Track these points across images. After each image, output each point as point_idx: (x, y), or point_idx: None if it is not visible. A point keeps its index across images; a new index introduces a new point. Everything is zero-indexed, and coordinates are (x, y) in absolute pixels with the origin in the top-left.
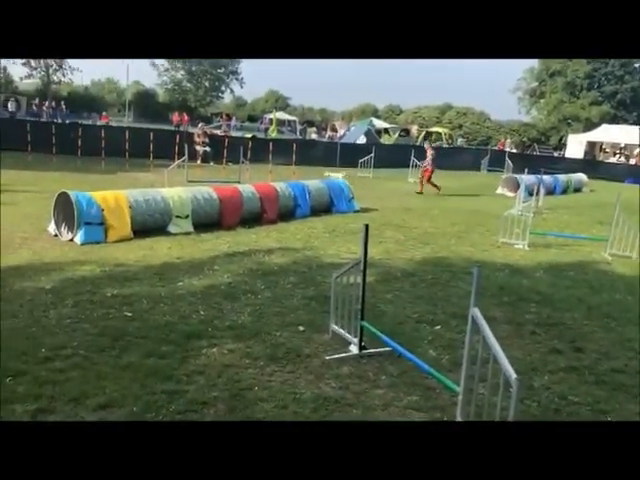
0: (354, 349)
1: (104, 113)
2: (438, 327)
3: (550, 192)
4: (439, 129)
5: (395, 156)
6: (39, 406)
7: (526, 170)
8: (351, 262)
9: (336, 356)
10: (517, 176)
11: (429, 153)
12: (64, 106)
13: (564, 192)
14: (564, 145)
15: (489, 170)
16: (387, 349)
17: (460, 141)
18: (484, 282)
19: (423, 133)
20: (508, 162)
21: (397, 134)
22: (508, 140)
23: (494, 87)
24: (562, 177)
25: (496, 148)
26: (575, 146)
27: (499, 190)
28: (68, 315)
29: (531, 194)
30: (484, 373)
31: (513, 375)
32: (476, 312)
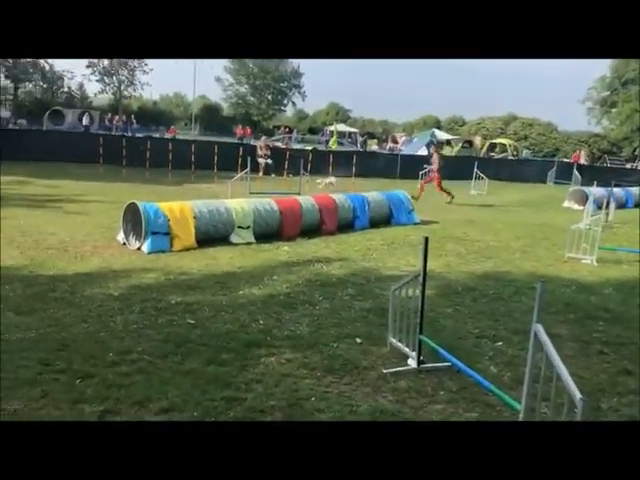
0: (412, 363)
1: (172, 127)
2: (500, 343)
3: (621, 205)
4: (503, 140)
5: (457, 168)
6: (106, 407)
7: (595, 182)
8: (410, 275)
9: (394, 369)
10: (585, 189)
11: (435, 158)
12: (134, 120)
13: (637, 206)
14: (638, 156)
15: (556, 182)
16: (446, 364)
17: (525, 153)
18: (549, 298)
19: (487, 144)
20: (576, 174)
21: (459, 145)
22: (583, 152)
23: (562, 97)
24: (635, 190)
25: (569, 160)
26: None
27: (566, 203)
28: (134, 321)
29: (600, 207)
30: (547, 392)
31: (578, 395)
32: (539, 328)
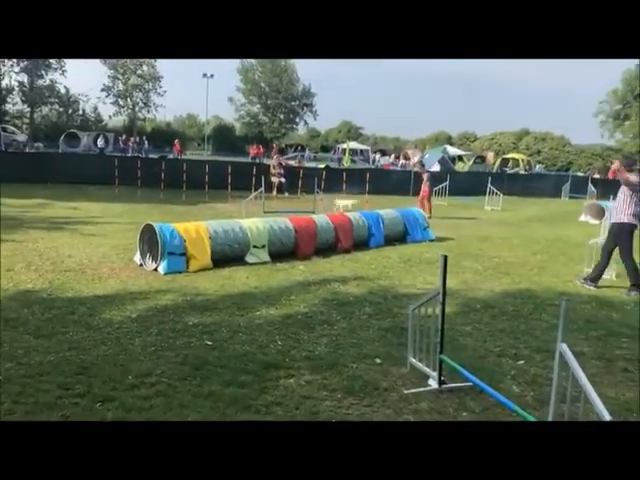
0: (433, 383)
1: (176, 141)
2: (521, 362)
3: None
4: (516, 155)
5: (470, 184)
6: None
7: (611, 196)
8: (428, 293)
9: (414, 390)
10: (601, 203)
11: (424, 176)
12: (146, 142)
13: None
14: None
15: (571, 197)
16: (468, 384)
17: (538, 167)
18: (570, 315)
19: (499, 160)
20: (591, 188)
21: (472, 161)
22: (617, 162)
23: (574, 111)
24: None
25: (583, 174)
26: None
27: (582, 217)
28: (152, 343)
29: None
30: (573, 412)
31: (606, 416)
32: (564, 347)
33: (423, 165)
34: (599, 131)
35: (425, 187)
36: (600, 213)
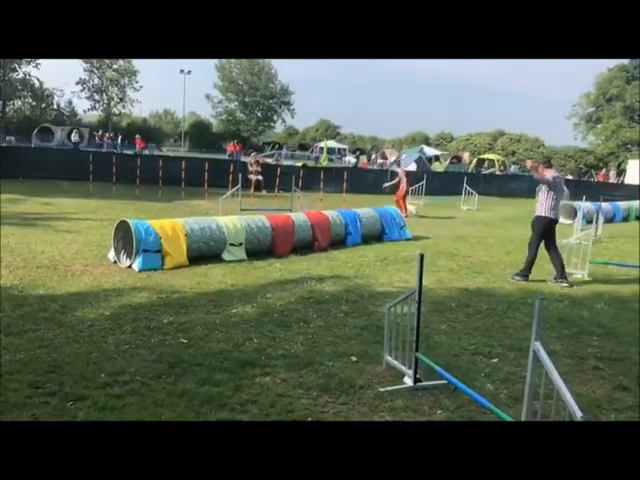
0: (409, 381)
1: (137, 136)
2: (495, 360)
3: (609, 220)
4: (491, 156)
5: (446, 184)
6: None
7: (584, 197)
8: (404, 291)
9: (390, 388)
10: (574, 203)
11: (402, 173)
12: (119, 137)
13: (625, 220)
14: (623, 171)
15: None
16: (443, 382)
17: (513, 168)
18: (543, 313)
19: (475, 160)
20: (565, 189)
21: (448, 161)
22: (612, 171)
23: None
24: (622, 204)
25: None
26: (635, 172)
27: None
28: (126, 341)
29: (589, 222)
30: (546, 410)
31: (578, 413)
32: (538, 346)
33: (399, 164)
34: (572, 133)
35: (402, 186)
36: (573, 213)
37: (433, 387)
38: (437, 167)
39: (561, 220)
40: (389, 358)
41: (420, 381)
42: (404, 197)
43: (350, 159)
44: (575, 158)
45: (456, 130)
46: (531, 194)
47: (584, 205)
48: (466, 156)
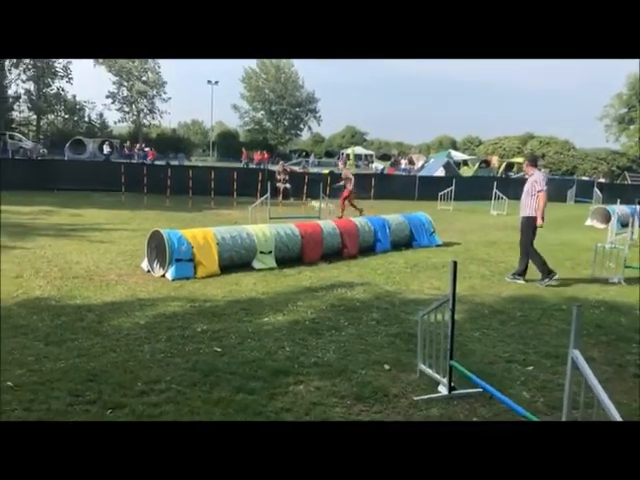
0: (443, 390)
1: (147, 149)
2: (531, 368)
3: None
4: (520, 159)
5: (475, 188)
6: None
7: (619, 200)
8: (437, 299)
9: (425, 397)
10: (608, 207)
11: (348, 174)
12: (146, 149)
13: None
14: None
15: (576, 201)
16: (478, 390)
17: (543, 171)
18: None
19: (504, 164)
20: (597, 192)
21: (477, 166)
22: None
23: (579, 115)
24: None
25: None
26: None
27: (588, 222)
28: (161, 350)
29: (624, 225)
30: (586, 419)
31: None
32: (577, 354)
33: (345, 164)
34: (604, 135)
35: (348, 186)
36: (606, 217)
37: (468, 395)
38: (465, 172)
39: (595, 224)
40: (423, 366)
41: (455, 389)
42: (347, 198)
43: (377, 165)
44: (607, 160)
45: (484, 134)
46: (561, 198)
47: (618, 208)
48: (495, 160)
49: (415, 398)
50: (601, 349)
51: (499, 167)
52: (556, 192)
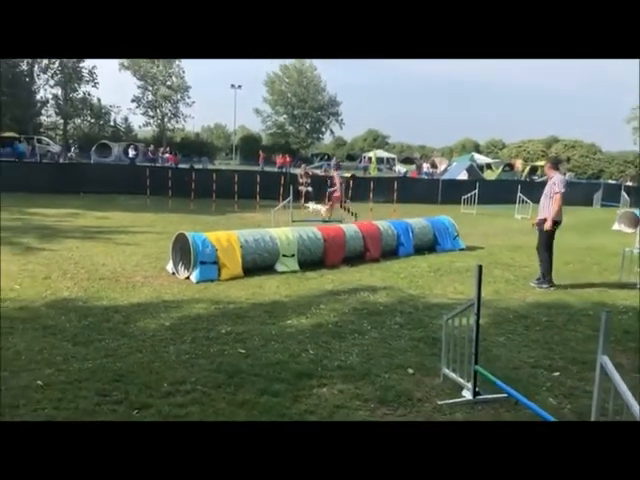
0: (468, 394)
1: (166, 155)
2: (557, 373)
3: None
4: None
5: (499, 192)
6: None
7: None
8: (461, 303)
9: (449, 401)
10: (636, 211)
11: (337, 180)
12: (167, 153)
13: None
14: None
15: (603, 205)
16: (503, 395)
17: (568, 175)
18: None
19: (528, 168)
20: (624, 196)
21: (500, 169)
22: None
23: (605, 118)
24: None
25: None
26: None
27: (615, 226)
28: (186, 351)
29: None
30: None
31: None
32: (606, 360)
33: (337, 168)
34: (631, 138)
35: (336, 190)
36: (634, 221)
37: (493, 401)
38: (489, 175)
39: (622, 228)
40: (447, 371)
41: (479, 394)
42: (337, 201)
43: (400, 169)
44: (635, 164)
45: (507, 137)
46: (587, 202)
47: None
48: (519, 163)
49: (439, 402)
50: (629, 356)
51: (523, 170)
52: (582, 196)
